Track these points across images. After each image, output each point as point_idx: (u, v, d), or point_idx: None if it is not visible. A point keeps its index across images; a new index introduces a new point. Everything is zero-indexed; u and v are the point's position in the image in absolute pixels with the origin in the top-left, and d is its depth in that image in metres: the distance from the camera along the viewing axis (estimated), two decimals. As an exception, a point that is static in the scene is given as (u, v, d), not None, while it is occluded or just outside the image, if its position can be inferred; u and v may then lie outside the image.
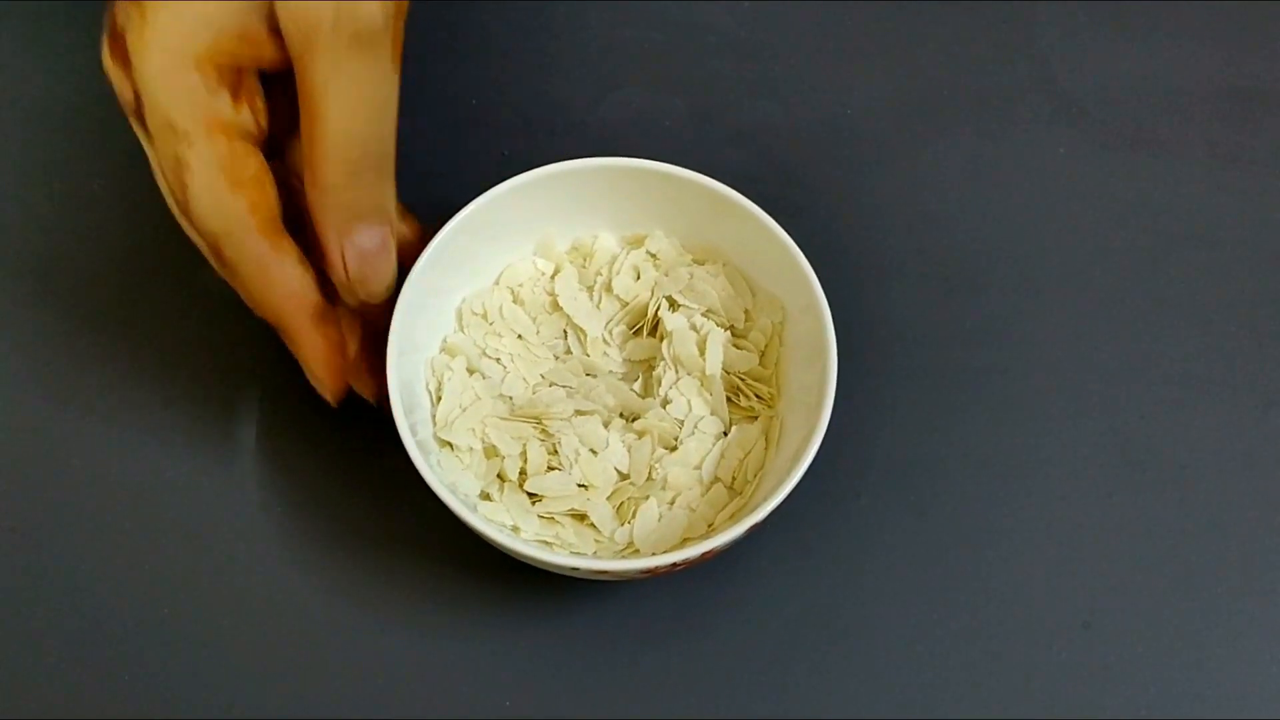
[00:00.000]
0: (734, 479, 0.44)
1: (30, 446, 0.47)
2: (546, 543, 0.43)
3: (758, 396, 0.45)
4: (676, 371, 0.45)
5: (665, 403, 0.45)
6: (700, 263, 0.47)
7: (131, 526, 0.46)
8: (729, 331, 0.46)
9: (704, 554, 0.40)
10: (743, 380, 0.45)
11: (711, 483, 0.44)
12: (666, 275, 0.46)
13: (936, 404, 0.48)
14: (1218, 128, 0.54)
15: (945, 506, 0.47)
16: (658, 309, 0.46)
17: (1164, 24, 0.57)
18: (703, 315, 0.46)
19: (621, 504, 0.43)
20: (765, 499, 0.40)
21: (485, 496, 0.44)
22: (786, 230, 0.44)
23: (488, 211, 0.44)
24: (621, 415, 0.45)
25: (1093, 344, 0.50)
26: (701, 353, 0.45)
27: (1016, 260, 0.51)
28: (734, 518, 0.43)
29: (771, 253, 0.44)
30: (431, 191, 0.53)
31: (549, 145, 0.50)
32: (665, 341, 0.45)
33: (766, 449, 0.44)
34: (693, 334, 0.45)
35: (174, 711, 0.43)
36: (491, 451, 0.44)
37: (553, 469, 0.43)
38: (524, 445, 0.44)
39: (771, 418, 0.45)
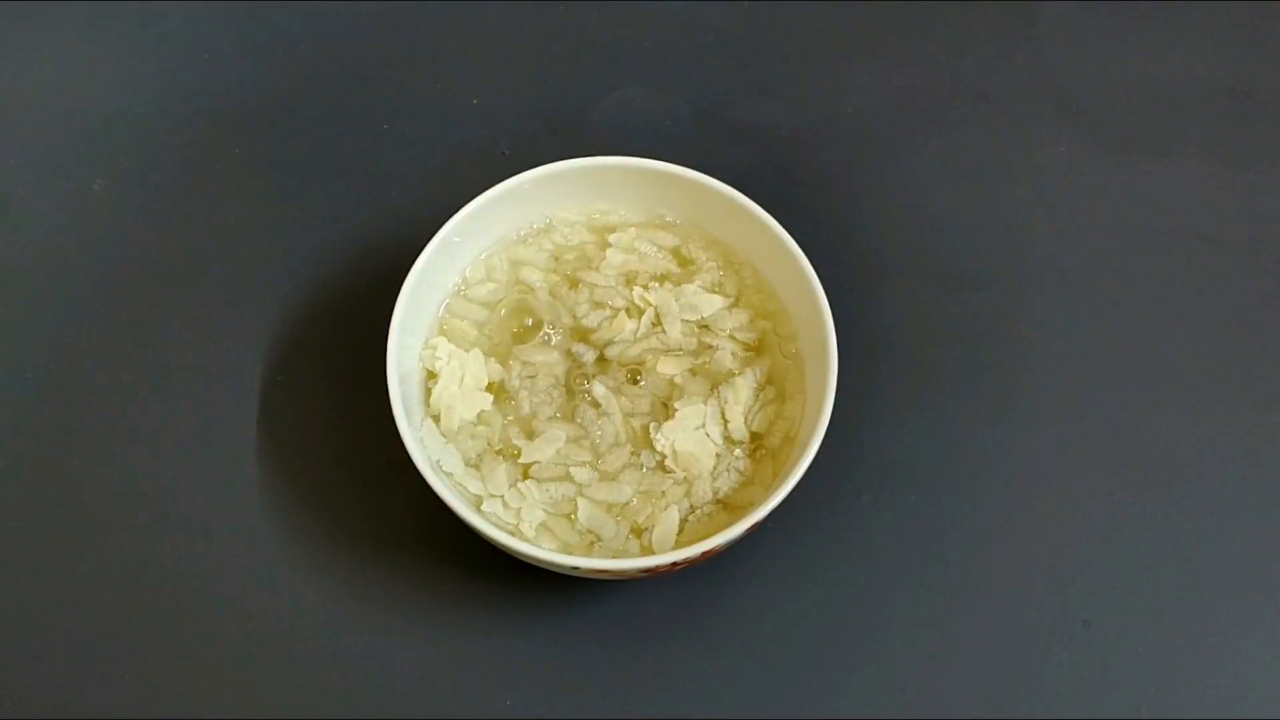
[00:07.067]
0: (734, 478, 0.44)
1: (31, 446, 0.47)
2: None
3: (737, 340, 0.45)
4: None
5: (642, 367, 0.44)
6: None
7: (132, 526, 0.46)
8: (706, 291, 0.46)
9: (704, 554, 0.40)
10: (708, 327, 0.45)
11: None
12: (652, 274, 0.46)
13: (936, 404, 0.48)
14: (1218, 128, 0.54)
15: (945, 506, 0.47)
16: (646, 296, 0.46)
17: (1164, 24, 0.57)
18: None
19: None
20: (765, 499, 0.40)
21: (480, 497, 0.44)
22: (786, 230, 0.44)
23: (488, 210, 0.44)
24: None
25: (1093, 344, 0.50)
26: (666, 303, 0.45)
27: (1016, 260, 0.51)
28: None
29: (772, 253, 0.44)
30: (432, 191, 0.53)
31: (549, 145, 0.50)
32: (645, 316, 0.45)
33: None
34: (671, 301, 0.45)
35: (174, 711, 0.43)
36: (485, 433, 0.44)
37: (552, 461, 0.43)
38: (523, 431, 0.44)
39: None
